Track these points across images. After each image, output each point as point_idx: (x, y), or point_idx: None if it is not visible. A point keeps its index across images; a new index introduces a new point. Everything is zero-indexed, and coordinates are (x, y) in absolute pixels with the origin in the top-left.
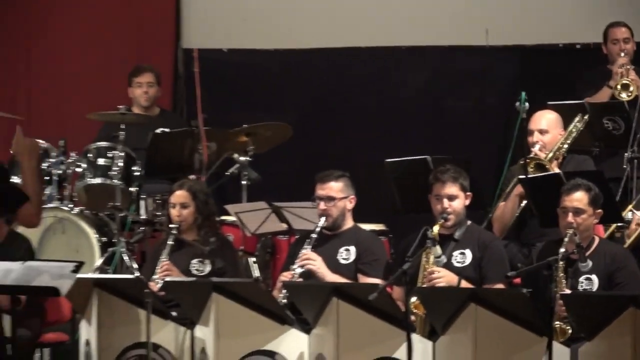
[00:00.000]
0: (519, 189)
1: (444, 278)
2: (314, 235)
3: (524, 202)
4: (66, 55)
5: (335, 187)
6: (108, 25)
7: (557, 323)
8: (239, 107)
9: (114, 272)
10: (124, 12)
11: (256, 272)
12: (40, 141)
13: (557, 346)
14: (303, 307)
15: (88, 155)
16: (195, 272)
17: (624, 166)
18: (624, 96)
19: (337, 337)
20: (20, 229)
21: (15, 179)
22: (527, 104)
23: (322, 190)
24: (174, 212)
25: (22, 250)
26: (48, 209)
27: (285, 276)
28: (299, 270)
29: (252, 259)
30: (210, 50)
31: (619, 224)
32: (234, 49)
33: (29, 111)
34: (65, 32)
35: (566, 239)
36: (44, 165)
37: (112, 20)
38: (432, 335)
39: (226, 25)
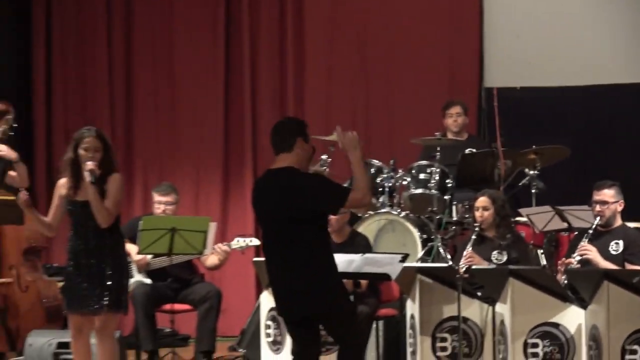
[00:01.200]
0: None
1: None
2: (590, 231)
3: None
4: (398, 93)
5: (608, 193)
6: (426, 67)
7: None
8: (528, 133)
9: (432, 262)
10: (440, 57)
11: (543, 261)
12: (375, 160)
13: None
14: (580, 288)
15: (412, 171)
16: (495, 261)
17: None
18: None
19: (607, 312)
20: (360, 229)
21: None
22: None
23: (597, 196)
24: (477, 214)
25: (362, 246)
26: (382, 213)
27: (567, 262)
28: (578, 258)
29: (540, 251)
30: (506, 89)
31: None
32: (525, 87)
33: (367, 137)
34: (398, 72)
35: None
36: (378, 179)
37: (428, 62)
38: None
39: (518, 67)
